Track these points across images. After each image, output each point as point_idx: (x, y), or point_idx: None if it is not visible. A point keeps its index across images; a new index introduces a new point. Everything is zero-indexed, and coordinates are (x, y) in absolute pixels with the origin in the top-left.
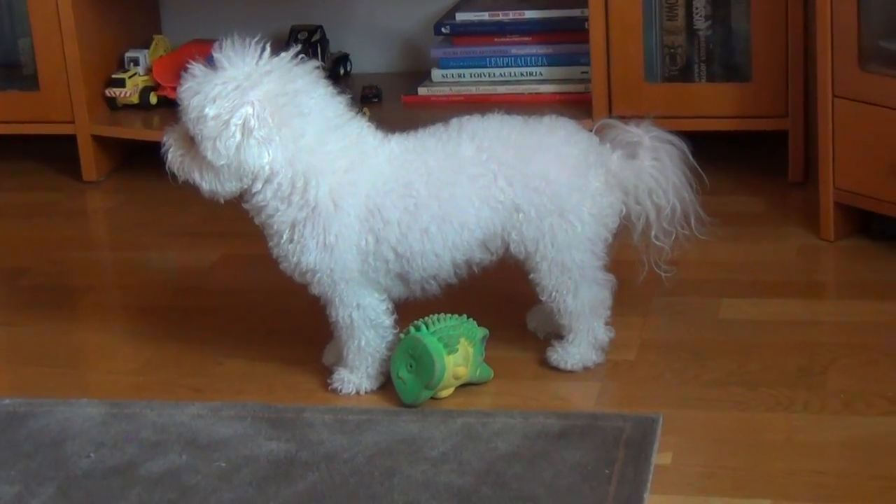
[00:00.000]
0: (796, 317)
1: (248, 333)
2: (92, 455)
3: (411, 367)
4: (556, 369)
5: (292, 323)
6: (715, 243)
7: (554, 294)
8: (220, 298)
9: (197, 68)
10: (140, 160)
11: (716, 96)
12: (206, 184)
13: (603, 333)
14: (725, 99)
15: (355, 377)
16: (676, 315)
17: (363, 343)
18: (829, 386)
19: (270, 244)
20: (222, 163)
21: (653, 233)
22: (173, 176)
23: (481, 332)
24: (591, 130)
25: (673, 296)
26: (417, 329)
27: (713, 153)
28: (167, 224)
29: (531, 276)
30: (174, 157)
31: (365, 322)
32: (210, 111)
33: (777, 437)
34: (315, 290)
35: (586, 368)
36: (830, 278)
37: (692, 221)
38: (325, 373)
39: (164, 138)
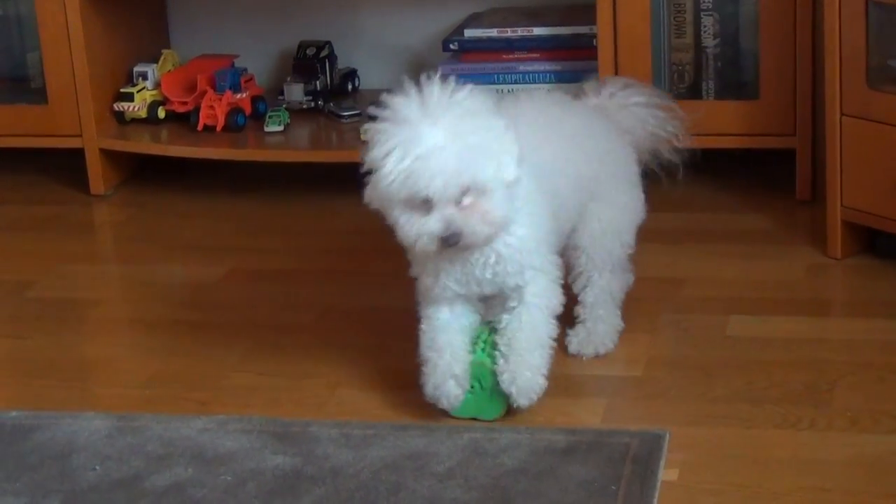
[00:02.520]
0: (803, 334)
1: (255, 347)
2: (98, 468)
3: (473, 388)
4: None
5: (298, 337)
6: (722, 260)
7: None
8: (227, 312)
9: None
10: (148, 174)
11: (724, 114)
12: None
13: (619, 320)
14: (733, 117)
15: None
16: (683, 332)
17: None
18: (835, 403)
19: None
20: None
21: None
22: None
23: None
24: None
25: (680, 313)
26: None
27: (721, 171)
28: (174, 238)
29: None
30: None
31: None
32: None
33: (784, 455)
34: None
35: (599, 355)
36: (837, 296)
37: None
38: (330, 387)
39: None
